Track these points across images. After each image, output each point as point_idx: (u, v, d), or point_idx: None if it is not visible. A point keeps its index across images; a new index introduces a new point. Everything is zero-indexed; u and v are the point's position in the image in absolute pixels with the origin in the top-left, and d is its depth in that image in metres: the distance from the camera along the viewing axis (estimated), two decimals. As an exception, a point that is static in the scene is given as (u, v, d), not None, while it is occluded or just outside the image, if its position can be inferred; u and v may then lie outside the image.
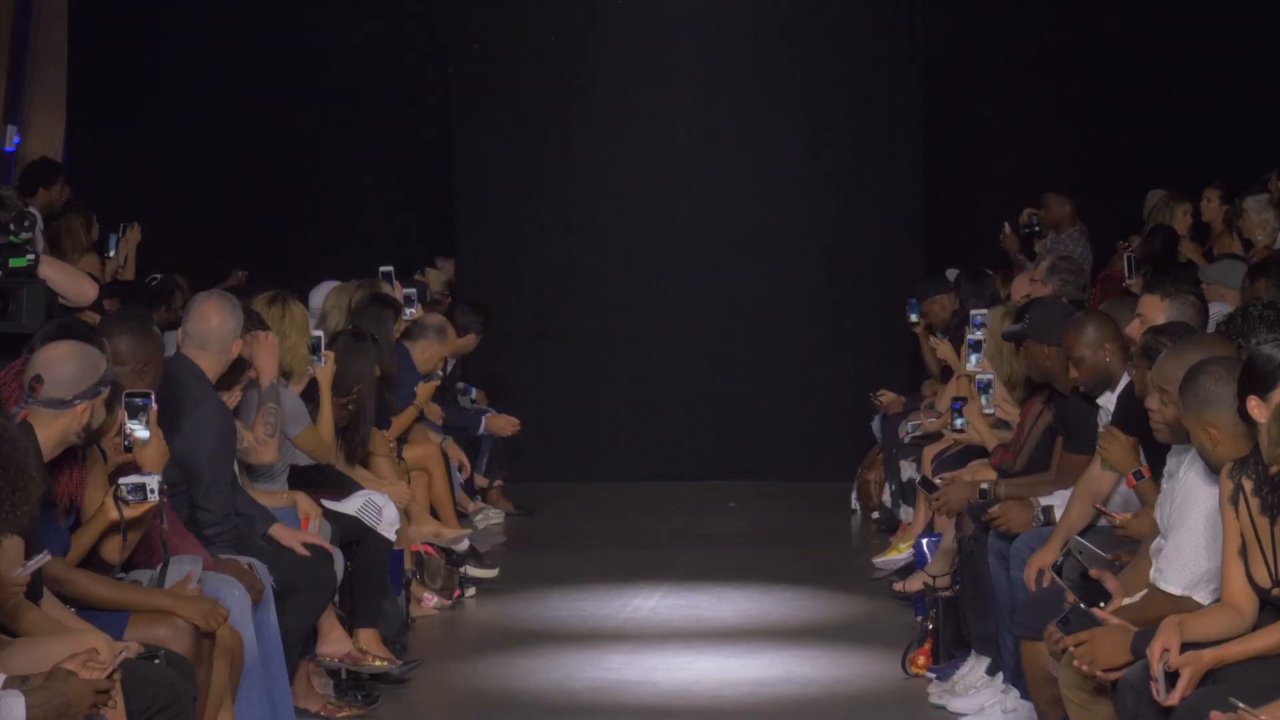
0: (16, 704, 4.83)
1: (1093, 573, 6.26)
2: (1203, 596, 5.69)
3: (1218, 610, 5.45)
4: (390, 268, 11.11)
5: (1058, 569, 6.58)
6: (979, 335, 9.29)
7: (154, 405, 6.43)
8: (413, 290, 10.91)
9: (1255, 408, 5.39)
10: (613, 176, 14.61)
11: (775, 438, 14.48)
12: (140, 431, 6.39)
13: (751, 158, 14.57)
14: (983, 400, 8.83)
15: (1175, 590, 5.73)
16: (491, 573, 10.52)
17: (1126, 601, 5.96)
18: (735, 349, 14.48)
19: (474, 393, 13.00)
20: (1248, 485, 5.35)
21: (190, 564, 6.54)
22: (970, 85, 14.86)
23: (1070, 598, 5.99)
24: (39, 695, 4.87)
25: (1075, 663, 5.64)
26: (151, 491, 6.16)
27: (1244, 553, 5.36)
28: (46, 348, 6.04)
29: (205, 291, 7.75)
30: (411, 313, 10.70)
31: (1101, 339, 7.37)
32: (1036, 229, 13.47)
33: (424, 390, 10.52)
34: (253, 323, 8.03)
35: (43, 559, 5.45)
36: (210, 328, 7.40)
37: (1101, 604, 5.95)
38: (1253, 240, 11.25)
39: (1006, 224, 13.70)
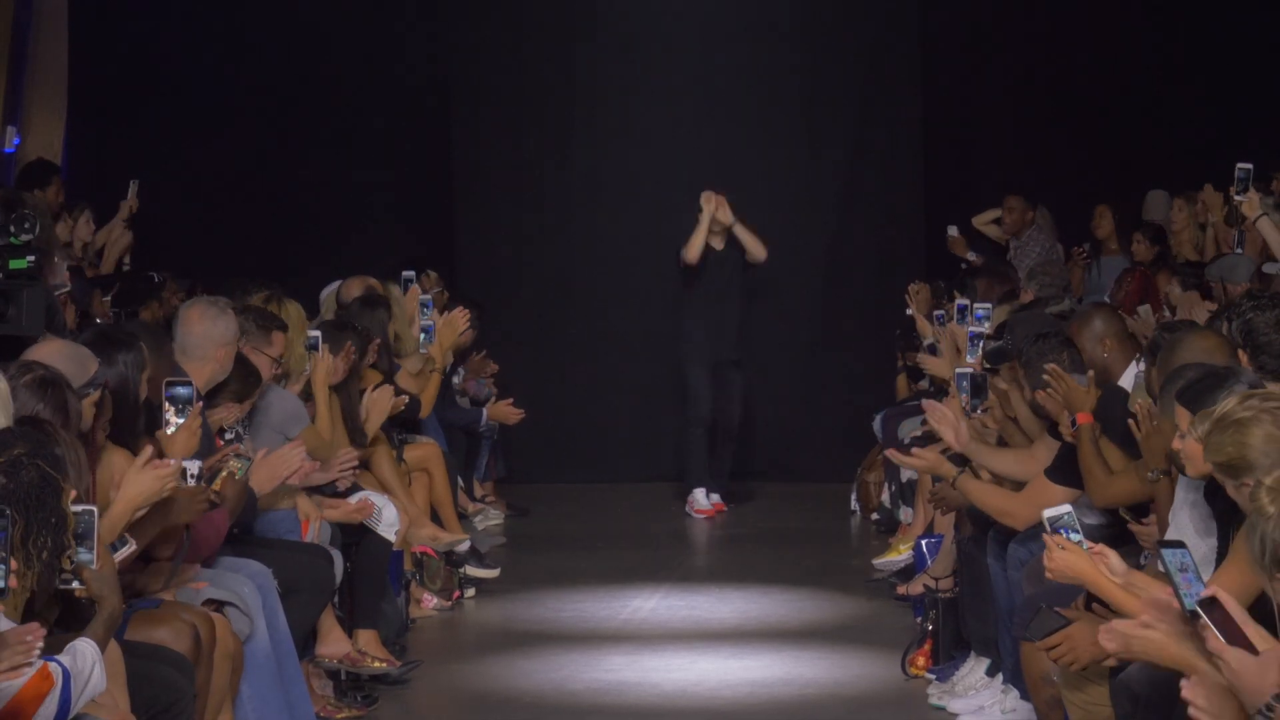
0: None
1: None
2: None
3: None
4: (411, 272, 11.11)
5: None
6: (983, 329, 9.23)
7: (196, 395, 6.43)
8: (429, 296, 10.93)
9: None
10: (612, 177, 14.61)
11: (775, 438, 14.48)
12: (175, 420, 6.39)
13: (751, 158, 14.56)
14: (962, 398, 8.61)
15: None
16: (493, 573, 10.51)
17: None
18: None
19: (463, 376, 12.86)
20: None
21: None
22: (970, 85, 14.87)
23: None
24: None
25: (1059, 662, 5.65)
26: (192, 476, 6.15)
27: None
28: (36, 346, 5.96)
29: (195, 298, 7.69)
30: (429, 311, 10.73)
31: (1104, 334, 7.37)
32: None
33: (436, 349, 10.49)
34: (264, 322, 8.00)
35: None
36: (191, 335, 7.34)
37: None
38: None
39: (953, 228, 13.72)
